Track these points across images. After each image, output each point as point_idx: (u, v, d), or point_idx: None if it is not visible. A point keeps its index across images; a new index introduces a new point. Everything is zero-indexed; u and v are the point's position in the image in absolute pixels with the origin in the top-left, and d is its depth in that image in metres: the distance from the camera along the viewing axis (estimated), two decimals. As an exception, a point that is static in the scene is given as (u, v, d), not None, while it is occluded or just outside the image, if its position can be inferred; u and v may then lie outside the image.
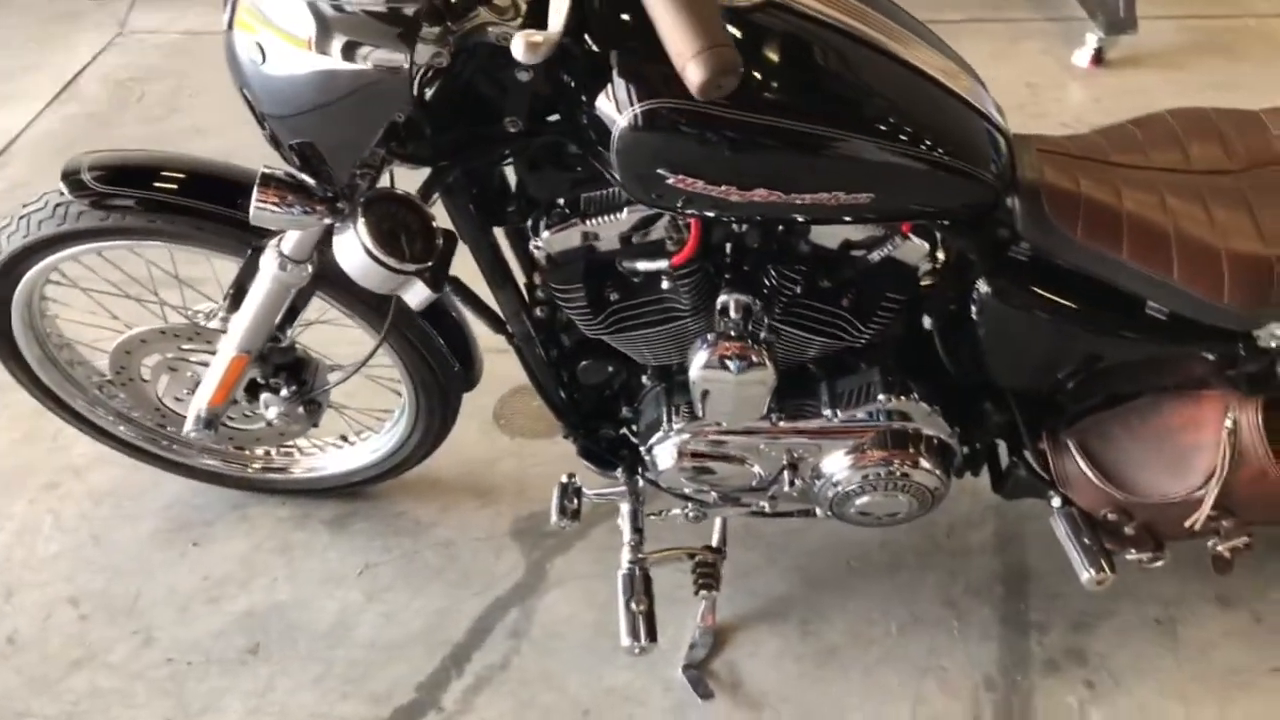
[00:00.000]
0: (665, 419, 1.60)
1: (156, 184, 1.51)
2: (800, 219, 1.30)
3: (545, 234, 1.39)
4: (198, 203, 1.51)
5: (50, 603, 1.89)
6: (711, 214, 1.26)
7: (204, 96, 3.16)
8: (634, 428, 1.70)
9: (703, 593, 1.70)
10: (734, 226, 1.38)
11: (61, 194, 1.52)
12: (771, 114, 1.16)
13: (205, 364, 1.70)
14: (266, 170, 1.28)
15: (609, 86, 1.17)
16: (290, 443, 1.96)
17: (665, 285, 1.42)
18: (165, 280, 1.77)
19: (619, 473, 1.71)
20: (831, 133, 1.18)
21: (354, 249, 1.26)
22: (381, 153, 1.29)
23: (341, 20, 1.13)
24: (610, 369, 1.64)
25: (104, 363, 1.80)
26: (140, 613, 1.88)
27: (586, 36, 1.18)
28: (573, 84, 1.22)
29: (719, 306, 1.42)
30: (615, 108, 1.17)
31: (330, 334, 1.77)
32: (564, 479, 1.70)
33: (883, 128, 1.21)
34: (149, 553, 1.97)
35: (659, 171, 1.19)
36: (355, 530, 2.01)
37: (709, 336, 1.45)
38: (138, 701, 1.75)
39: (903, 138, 1.22)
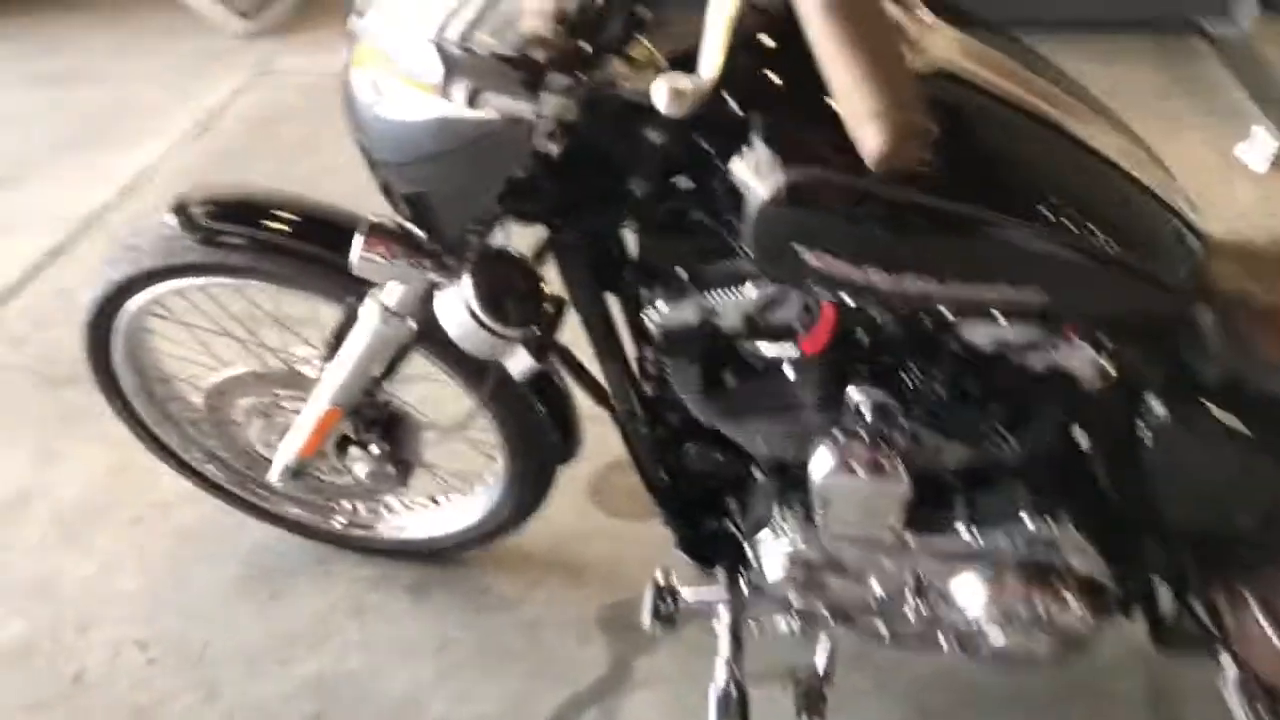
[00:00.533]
0: (776, 520, 1.45)
1: (265, 223, 1.45)
2: (952, 313, 1.15)
3: (661, 305, 1.27)
4: (305, 246, 1.44)
5: (121, 642, 1.83)
6: (851, 300, 1.12)
7: (339, 138, 3.15)
8: (739, 524, 1.55)
9: (806, 724, 1.52)
10: (874, 315, 1.24)
11: (170, 227, 1.48)
12: (932, 193, 1.02)
13: (298, 411, 1.62)
14: (374, 219, 1.20)
15: (749, 151, 1.05)
16: (378, 500, 1.87)
17: (790, 373, 1.28)
18: (267, 321, 1.71)
19: (719, 571, 1.56)
20: (999, 219, 1.04)
21: (457, 309, 1.17)
22: (497, 208, 1.20)
23: (467, 64, 1.04)
24: (719, 457, 1.50)
25: (199, 400, 1.75)
26: (209, 663, 1.80)
27: (725, 93, 1.07)
28: (707, 145, 1.10)
29: (849, 403, 1.27)
30: (755, 175, 1.05)
31: (430, 391, 1.68)
32: (659, 576, 1.56)
33: (1058, 217, 1.06)
34: (226, 600, 1.90)
35: (796, 247, 1.06)
36: (435, 600, 1.90)
37: (835, 435, 1.30)
38: (193, 762, 1.67)
39: (1080, 230, 1.06)
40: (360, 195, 1.56)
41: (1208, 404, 1.23)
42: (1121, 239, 1.08)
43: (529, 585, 1.92)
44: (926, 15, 1.07)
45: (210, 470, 1.86)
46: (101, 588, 1.92)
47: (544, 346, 1.21)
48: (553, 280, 1.27)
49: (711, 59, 0.99)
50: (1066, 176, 1.09)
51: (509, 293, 1.17)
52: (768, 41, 1.07)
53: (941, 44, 1.07)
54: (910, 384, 1.26)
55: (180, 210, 1.46)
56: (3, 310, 2.58)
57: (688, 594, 1.55)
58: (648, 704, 1.74)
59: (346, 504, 1.88)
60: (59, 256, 2.80)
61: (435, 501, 1.89)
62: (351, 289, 1.44)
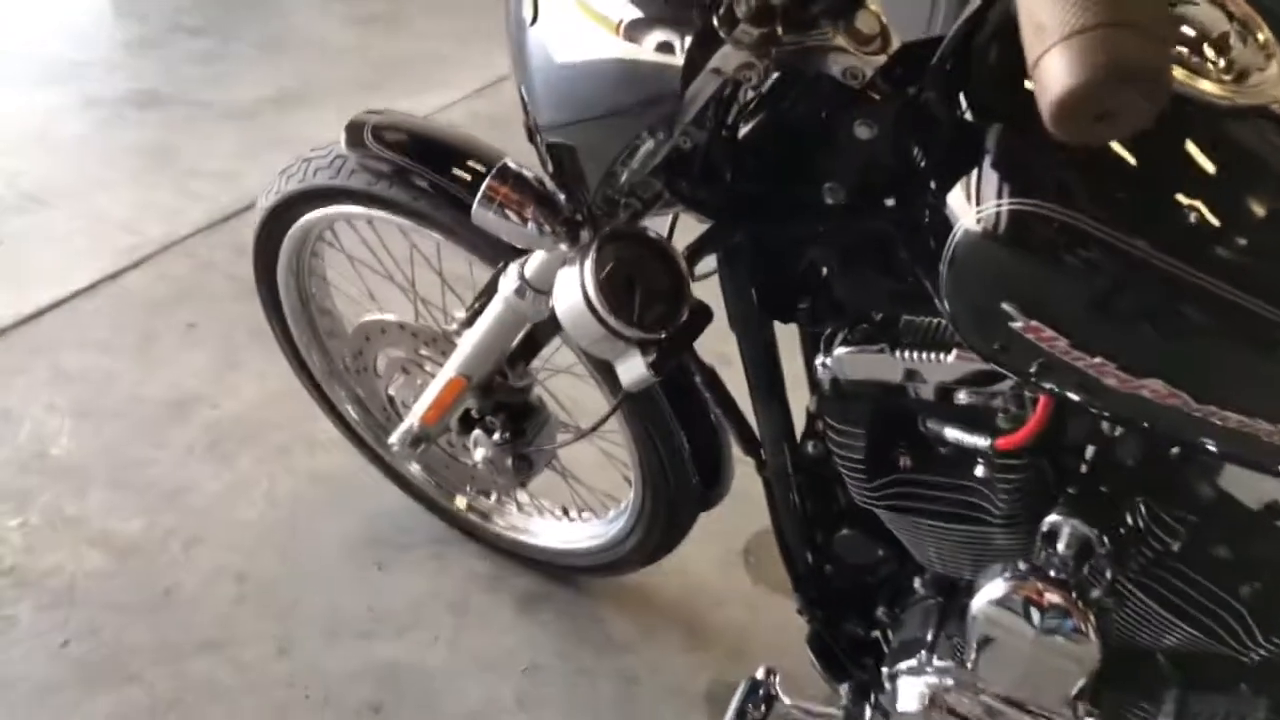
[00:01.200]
0: (926, 648, 1.16)
1: (427, 162, 1.31)
2: (1210, 446, 0.83)
3: (840, 351, 1.02)
4: (463, 194, 1.28)
5: (220, 570, 1.75)
6: (1064, 394, 0.82)
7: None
8: (887, 637, 1.27)
9: None
10: (1103, 424, 0.94)
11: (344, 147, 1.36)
12: (1213, 272, 0.71)
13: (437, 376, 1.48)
14: (508, 164, 1.02)
15: (974, 171, 0.78)
16: (502, 491, 1.71)
17: (979, 471, 1.00)
18: (432, 273, 1.58)
19: (844, 689, 1.28)
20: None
21: (571, 288, 0.96)
22: (658, 185, 0.99)
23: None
24: (880, 552, 1.22)
25: (349, 336, 1.64)
26: (293, 618, 1.69)
27: (964, 97, 0.80)
28: (926, 160, 0.84)
29: (1045, 528, 0.97)
30: (970, 201, 0.78)
31: (585, 392, 1.50)
32: (760, 674, 1.29)
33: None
34: (333, 558, 1.79)
35: (1004, 308, 0.78)
36: (541, 618, 1.71)
37: (1018, 565, 1.01)
38: (238, 716, 1.55)
39: None
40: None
41: None
42: None
43: (643, 632, 1.69)
44: (1264, 33, 0.77)
45: (349, 410, 1.76)
46: (224, 509, 1.86)
47: (666, 359, 0.98)
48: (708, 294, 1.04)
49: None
50: None
51: (639, 283, 0.95)
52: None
53: (1277, 75, 0.76)
54: (1129, 525, 0.95)
55: (353, 130, 1.34)
56: (242, 220, 2.62)
57: (790, 704, 1.27)
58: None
59: (470, 489, 1.72)
60: (309, 181, 2.84)
61: (566, 513, 1.70)
62: (505, 254, 1.28)
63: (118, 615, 1.67)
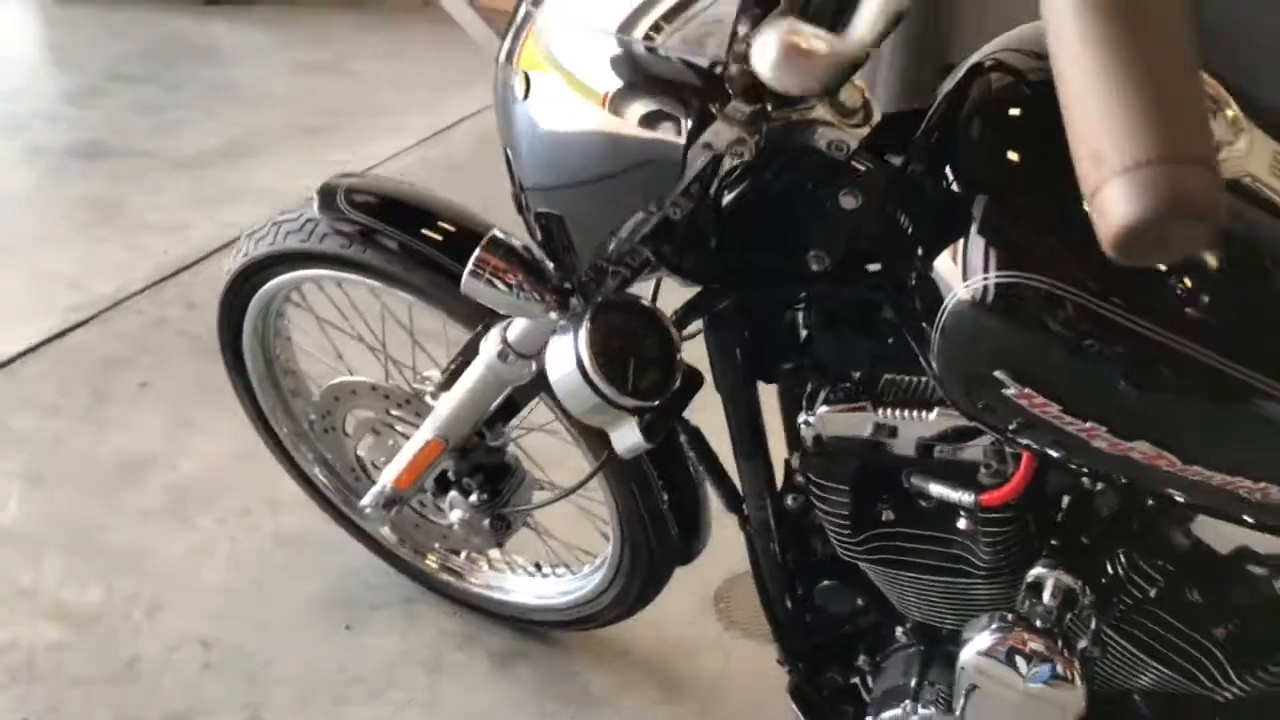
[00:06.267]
0: (909, 698, 1.17)
1: (408, 226, 1.31)
2: (1194, 503, 0.86)
3: (823, 410, 1.04)
4: (438, 256, 1.29)
5: (184, 637, 1.71)
6: (1054, 455, 0.85)
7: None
8: (867, 686, 1.28)
9: None
10: (1084, 479, 0.97)
11: (314, 211, 1.36)
12: (1195, 339, 0.75)
13: (407, 436, 1.48)
14: (497, 234, 1.03)
15: (961, 242, 0.81)
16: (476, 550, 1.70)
17: (962, 525, 1.02)
18: (401, 334, 1.57)
19: (830, 738, 1.30)
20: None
21: (566, 358, 0.97)
22: (646, 253, 1.00)
23: (638, 66, 0.85)
24: (860, 602, 1.24)
25: (316, 398, 1.62)
26: (263, 683, 1.65)
27: (949, 169, 0.83)
28: (911, 227, 0.87)
29: (1029, 580, 1.00)
30: (959, 271, 0.81)
31: (557, 448, 1.50)
32: (751, 729, 1.30)
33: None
34: (301, 618, 1.76)
35: (997, 375, 0.80)
36: (516, 675, 1.70)
37: (1005, 616, 1.03)
38: (208, 788, 1.52)
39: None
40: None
41: None
42: None
43: (619, 686, 1.69)
44: (1232, 110, 0.81)
45: (316, 474, 1.74)
46: (185, 573, 1.82)
47: (659, 426, 1.00)
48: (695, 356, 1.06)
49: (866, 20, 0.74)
50: None
51: (633, 353, 0.97)
52: (1013, 107, 0.83)
53: (1246, 149, 0.80)
54: (1110, 575, 0.98)
55: (326, 194, 1.35)
56: (191, 274, 2.60)
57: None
58: None
59: (439, 546, 1.71)
60: (260, 233, 2.81)
61: (539, 569, 1.70)
62: (482, 317, 1.28)
63: (78, 689, 1.62)
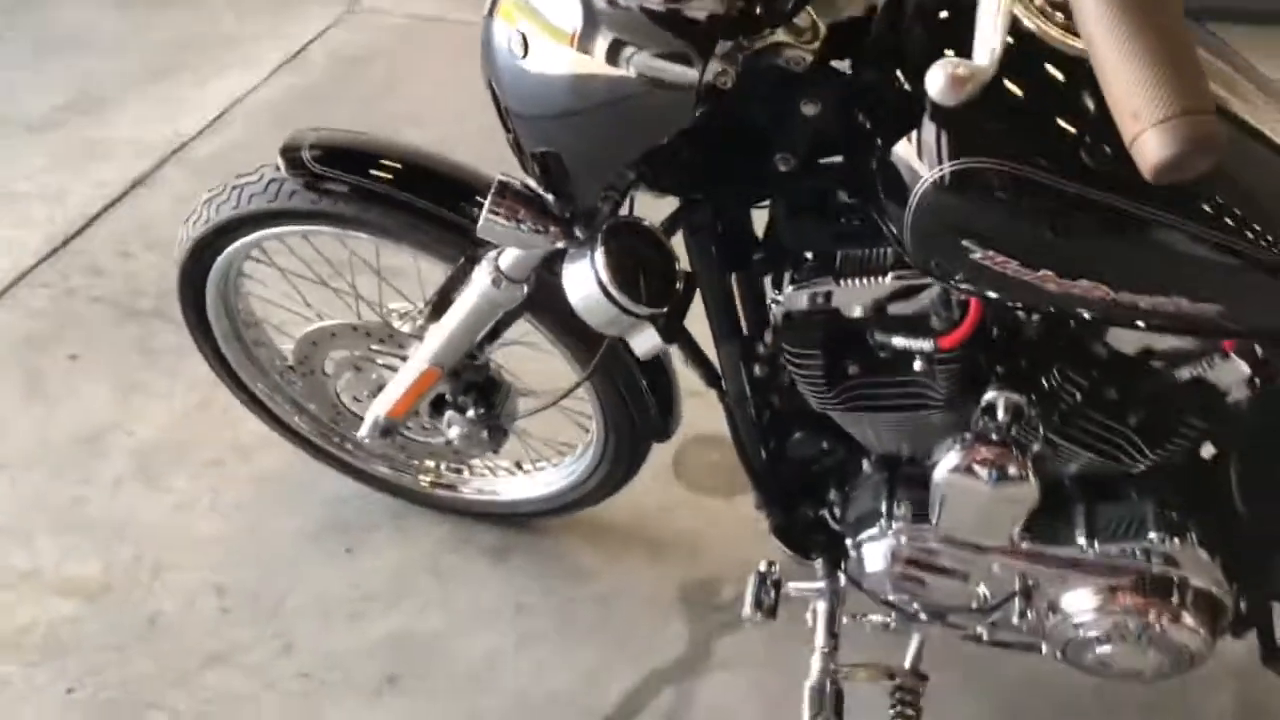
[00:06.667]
0: (883, 516, 1.39)
1: (376, 173, 1.40)
2: (1116, 321, 1.07)
3: (789, 289, 1.21)
4: (417, 200, 1.39)
5: (196, 588, 1.81)
6: (1011, 301, 1.05)
7: (423, 85, 3.09)
8: (838, 514, 1.50)
9: (901, 722, 1.47)
10: (1021, 314, 1.17)
11: (277, 169, 1.43)
12: (1126, 196, 0.94)
13: (390, 368, 1.59)
14: (504, 179, 1.14)
15: (918, 131, 0.98)
16: (464, 462, 1.84)
17: (920, 367, 1.22)
18: (366, 272, 1.66)
19: (818, 564, 1.51)
20: (1201, 231, 0.95)
21: (586, 281, 1.11)
22: (630, 176, 1.14)
23: (628, 21, 0.97)
24: (826, 445, 1.44)
25: (290, 348, 1.71)
26: (284, 615, 1.78)
27: (900, 72, 0.99)
28: (869, 124, 1.03)
29: (985, 404, 1.20)
30: (922, 159, 0.97)
31: (523, 357, 1.64)
32: (763, 567, 1.51)
33: (1246, 228, 0.98)
34: (302, 551, 1.87)
35: (964, 244, 0.99)
36: (513, 565, 1.86)
37: (965, 436, 1.24)
38: (267, 713, 1.65)
39: (1268, 243, 0.98)
40: (443, 147, 1.51)
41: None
42: None
43: (608, 558, 1.88)
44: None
45: (296, 421, 1.83)
46: (177, 531, 1.90)
47: (673, 326, 1.15)
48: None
49: (988, 43, 0.89)
50: (1257, 182, 1.00)
51: (643, 268, 1.11)
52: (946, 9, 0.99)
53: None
54: (1048, 387, 1.19)
55: (289, 151, 1.41)
56: (85, 239, 2.56)
57: (793, 587, 1.50)
58: (726, 686, 1.70)
59: (431, 463, 1.84)
60: (141, 186, 2.75)
61: (521, 468, 1.85)
62: (461, 248, 1.39)
63: (112, 653, 1.71)
